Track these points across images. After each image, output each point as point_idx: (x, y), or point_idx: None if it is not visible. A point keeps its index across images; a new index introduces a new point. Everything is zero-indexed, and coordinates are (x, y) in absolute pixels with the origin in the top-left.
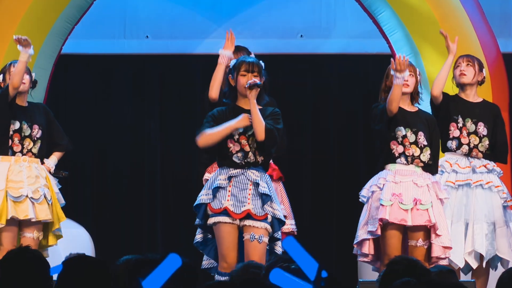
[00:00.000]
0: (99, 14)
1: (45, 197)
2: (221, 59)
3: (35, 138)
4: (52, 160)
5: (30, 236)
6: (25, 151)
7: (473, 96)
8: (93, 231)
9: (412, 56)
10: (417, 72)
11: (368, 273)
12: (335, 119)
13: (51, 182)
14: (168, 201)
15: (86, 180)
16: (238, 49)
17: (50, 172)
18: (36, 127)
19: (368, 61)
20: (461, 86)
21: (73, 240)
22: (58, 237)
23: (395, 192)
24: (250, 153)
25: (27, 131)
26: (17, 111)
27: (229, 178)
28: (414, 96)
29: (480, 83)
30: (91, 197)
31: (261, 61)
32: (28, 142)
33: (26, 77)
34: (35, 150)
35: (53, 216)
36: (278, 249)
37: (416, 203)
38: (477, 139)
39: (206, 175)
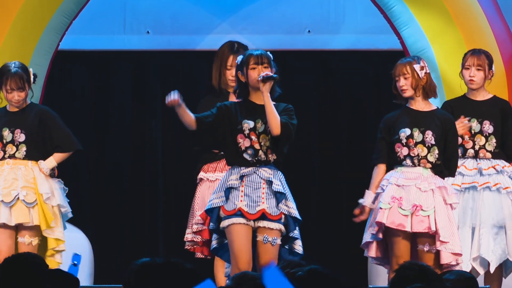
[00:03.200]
0: (97, 9)
1: (23, 200)
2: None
3: (17, 143)
4: (48, 161)
5: (22, 241)
6: (6, 156)
7: (481, 94)
8: (91, 233)
9: (425, 51)
10: (418, 68)
11: (378, 277)
12: (343, 118)
13: (38, 183)
14: (170, 202)
15: (84, 180)
16: (242, 47)
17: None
18: (18, 131)
19: (379, 58)
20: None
21: (71, 245)
22: (57, 240)
23: (396, 196)
24: (261, 151)
25: (8, 137)
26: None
27: (241, 177)
28: (424, 94)
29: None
30: (89, 199)
31: (268, 52)
32: (10, 147)
33: (22, 94)
34: (19, 155)
35: (39, 218)
36: (298, 248)
37: (416, 208)
38: (483, 139)
39: (201, 174)
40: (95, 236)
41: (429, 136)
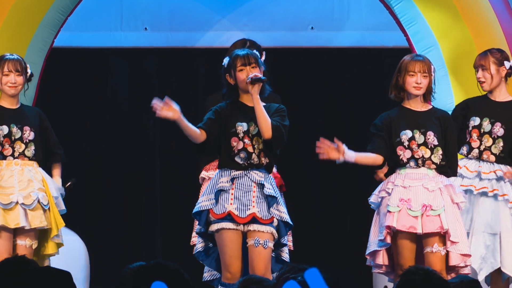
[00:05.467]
0: (94, 5)
1: (39, 202)
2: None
3: (27, 141)
4: (58, 181)
5: (22, 244)
6: (16, 154)
7: (501, 95)
8: (87, 237)
9: (432, 49)
10: (432, 70)
11: (382, 280)
12: (347, 117)
13: (49, 186)
14: (167, 203)
15: (80, 182)
16: (254, 46)
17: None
18: (27, 128)
19: (384, 55)
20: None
21: (66, 248)
22: (59, 245)
23: (404, 198)
24: (254, 155)
25: (17, 134)
26: (4, 115)
27: (232, 180)
28: (426, 96)
29: (508, 75)
30: (85, 200)
31: (254, 51)
32: (19, 145)
33: (19, 79)
34: (28, 153)
35: (51, 222)
36: (285, 255)
37: (426, 209)
38: (490, 140)
39: (203, 173)
40: (91, 240)
41: (431, 137)
